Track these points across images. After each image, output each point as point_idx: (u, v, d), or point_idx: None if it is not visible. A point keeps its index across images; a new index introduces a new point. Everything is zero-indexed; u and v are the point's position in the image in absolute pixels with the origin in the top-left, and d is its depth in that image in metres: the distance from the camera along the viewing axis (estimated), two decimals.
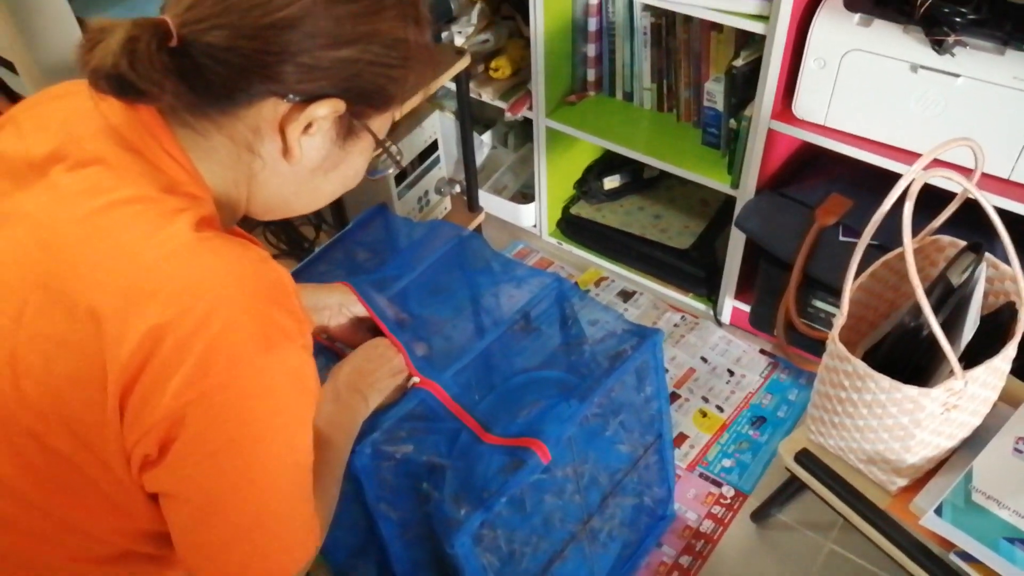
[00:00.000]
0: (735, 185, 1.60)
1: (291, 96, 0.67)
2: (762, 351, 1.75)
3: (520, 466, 0.99)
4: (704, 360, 1.73)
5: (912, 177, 0.97)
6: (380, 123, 0.76)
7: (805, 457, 1.20)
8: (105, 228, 0.64)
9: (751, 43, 1.53)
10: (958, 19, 1.24)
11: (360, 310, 1.09)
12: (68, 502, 0.66)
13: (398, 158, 0.80)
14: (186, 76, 0.63)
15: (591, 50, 1.79)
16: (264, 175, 0.73)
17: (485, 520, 0.96)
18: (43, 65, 1.34)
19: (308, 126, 0.69)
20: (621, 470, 1.25)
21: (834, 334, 1.08)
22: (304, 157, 0.71)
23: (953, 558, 1.04)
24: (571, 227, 2.03)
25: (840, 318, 1.09)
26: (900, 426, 1.04)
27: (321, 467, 0.81)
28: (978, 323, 1.08)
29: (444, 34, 1.83)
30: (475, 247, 1.29)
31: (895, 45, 1.28)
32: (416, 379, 1.04)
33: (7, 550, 0.67)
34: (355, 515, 1.25)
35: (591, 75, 1.84)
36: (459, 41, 1.86)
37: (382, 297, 1.13)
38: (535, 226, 2.06)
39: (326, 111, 0.69)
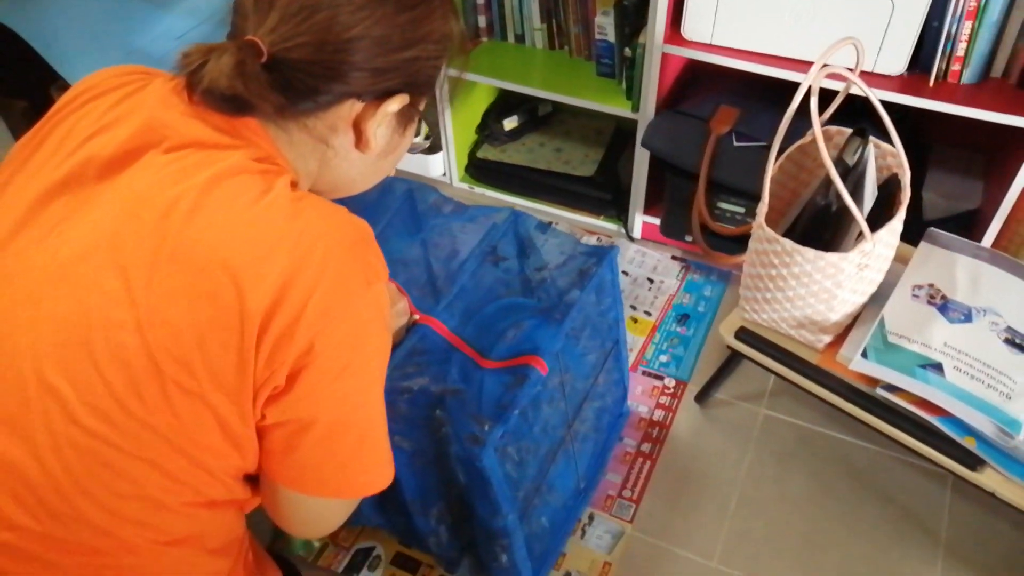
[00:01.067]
0: (635, 109, 1.74)
1: (365, 96, 0.78)
2: (674, 257, 1.93)
3: (524, 381, 1.10)
4: (625, 273, 1.90)
5: (815, 74, 1.13)
6: (423, 105, 0.87)
7: (743, 333, 1.38)
8: (218, 196, 0.71)
9: None
10: None
11: None
12: (201, 441, 0.73)
13: (428, 136, 0.92)
14: (279, 87, 0.72)
15: None
16: (335, 162, 0.82)
17: (504, 432, 1.07)
18: None
19: (380, 121, 0.80)
20: (591, 377, 1.40)
21: (760, 221, 1.24)
22: (373, 148, 0.82)
23: (880, 391, 1.24)
24: (479, 171, 2.13)
25: (763, 206, 1.25)
26: (824, 289, 1.23)
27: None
28: (876, 195, 1.28)
29: None
30: (425, 194, 1.39)
31: None
32: (416, 316, 1.14)
33: (148, 489, 0.74)
34: None
35: (482, 21, 1.94)
36: None
37: None
38: (445, 174, 2.15)
39: (396, 106, 0.79)
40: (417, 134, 0.91)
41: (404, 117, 0.83)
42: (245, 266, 0.69)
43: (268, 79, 0.71)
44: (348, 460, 0.79)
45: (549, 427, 1.28)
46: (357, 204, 1.43)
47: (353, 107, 0.78)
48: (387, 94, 0.78)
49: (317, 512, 0.85)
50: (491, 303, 1.28)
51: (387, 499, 1.33)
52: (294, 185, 0.76)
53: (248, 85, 0.70)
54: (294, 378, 0.72)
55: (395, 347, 1.11)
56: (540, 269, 1.34)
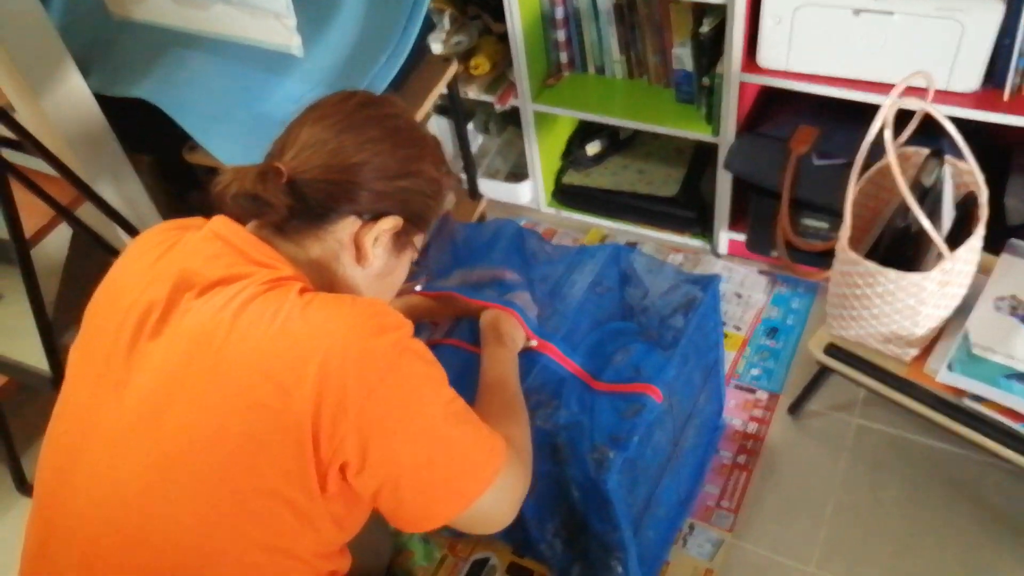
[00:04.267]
0: (716, 133, 1.82)
1: (365, 215, 0.96)
2: (760, 271, 2.00)
3: (640, 409, 1.20)
4: None
5: (889, 105, 1.20)
6: (418, 241, 1.05)
7: (833, 349, 1.45)
8: (244, 322, 0.87)
9: (711, 11, 1.75)
10: None
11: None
12: (280, 532, 0.88)
13: (425, 279, 1.19)
14: (295, 198, 0.92)
15: (561, 35, 1.99)
16: (343, 274, 0.99)
17: (627, 458, 1.17)
18: (62, 136, 1.53)
19: (376, 238, 0.97)
20: (695, 396, 1.48)
21: (843, 243, 1.32)
22: (371, 264, 0.98)
23: (967, 402, 1.30)
24: (566, 195, 2.24)
25: (845, 230, 1.32)
26: (908, 307, 1.29)
27: (503, 393, 1.10)
28: (954, 214, 1.33)
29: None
30: (528, 237, 1.50)
31: None
32: (534, 342, 1.25)
33: None
34: None
35: (564, 57, 2.04)
36: (437, 49, 2.04)
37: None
38: (533, 201, 2.27)
39: (389, 225, 0.97)
40: (414, 278, 1.14)
41: (399, 242, 1.01)
42: (288, 372, 0.84)
43: (285, 189, 0.91)
44: (451, 478, 0.91)
45: (659, 447, 1.37)
46: (472, 245, 1.54)
47: (354, 224, 0.96)
48: (382, 215, 0.96)
49: (475, 519, 0.95)
50: (597, 329, 1.37)
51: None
52: (304, 291, 0.90)
53: (267, 187, 0.90)
54: (364, 450, 0.85)
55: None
56: (643, 297, 1.42)
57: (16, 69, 1.49)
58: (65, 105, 1.59)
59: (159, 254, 0.96)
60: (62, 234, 1.79)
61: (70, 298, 1.80)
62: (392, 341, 0.88)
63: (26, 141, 1.45)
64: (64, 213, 1.65)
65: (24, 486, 1.81)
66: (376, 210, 0.96)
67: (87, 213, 1.67)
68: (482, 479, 0.93)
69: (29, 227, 1.56)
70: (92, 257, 1.74)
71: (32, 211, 1.61)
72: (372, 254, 0.97)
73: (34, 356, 1.57)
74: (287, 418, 0.83)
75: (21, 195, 1.49)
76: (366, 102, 1.00)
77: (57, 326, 1.59)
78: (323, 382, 0.83)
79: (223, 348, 0.86)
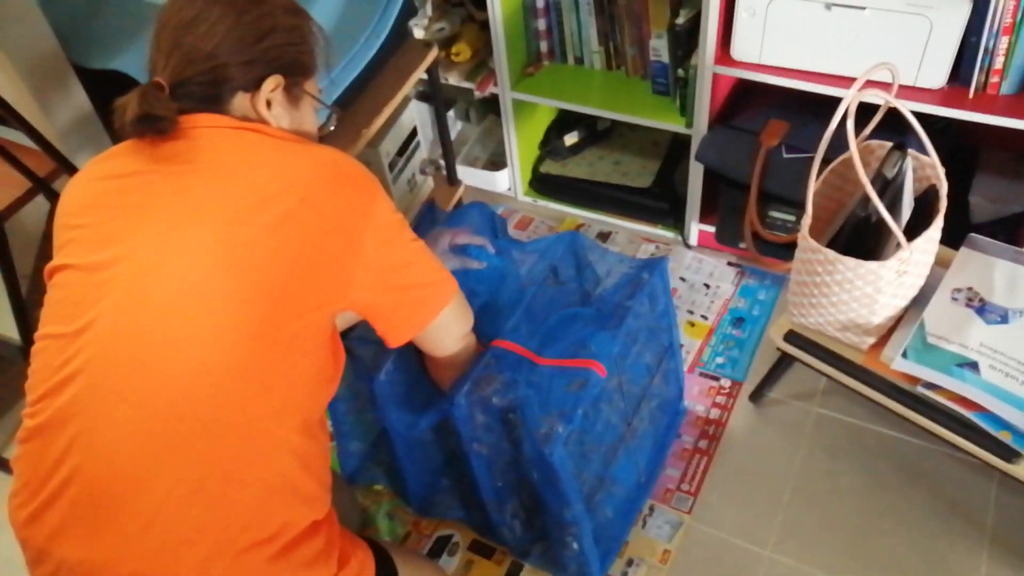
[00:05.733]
0: (689, 125, 1.85)
1: (248, 87, 1.04)
2: (729, 263, 2.02)
3: (584, 384, 1.22)
4: (683, 279, 2.00)
5: (851, 98, 1.23)
6: (311, 87, 1.12)
7: (792, 336, 1.48)
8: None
9: (687, 3, 1.78)
10: None
11: None
12: (294, 376, 0.99)
13: (335, 114, 1.25)
14: (183, 102, 1.01)
15: (541, 24, 2.01)
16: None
17: (571, 431, 1.20)
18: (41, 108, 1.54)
19: (268, 102, 1.05)
20: (647, 377, 1.51)
21: (804, 232, 1.34)
22: (277, 123, 1.07)
23: (921, 389, 1.33)
24: (543, 184, 2.26)
25: (807, 218, 1.35)
26: (866, 295, 1.32)
27: None
28: (912, 205, 1.36)
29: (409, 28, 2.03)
30: (496, 218, 1.52)
31: None
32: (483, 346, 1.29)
33: (245, 429, 0.95)
34: (434, 458, 1.49)
35: (544, 47, 2.06)
36: (419, 34, 2.05)
37: None
38: (510, 189, 2.29)
39: (272, 86, 1.05)
40: (328, 121, 1.26)
41: (291, 95, 1.08)
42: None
43: (168, 99, 1.00)
44: (424, 296, 1.12)
45: (609, 424, 1.40)
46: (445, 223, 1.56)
47: (243, 97, 1.04)
48: (261, 79, 1.04)
49: (439, 330, 1.16)
50: (552, 316, 1.40)
51: (466, 496, 1.47)
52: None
53: (153, 104, 0.97)
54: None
55: (468, 370, 1.25)
56: (596, 284, 1.46)
57: None
58: (44, 76, 1.59)
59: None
60: (40, 207, 1.80)
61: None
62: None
63: (5, 113, 1.46)
64: (41, 185, 1.66)
65: None
66: (253, 78, 1.04)
67: (64, 185, 1.67)
68: (445, 294, 1.14)
69: (4, 198, 1.57)
70: None
71: (8, 183, 1.62)
72: (271, 116, 1.06)
73: (6, 327, 1.58)
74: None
75: None
76: None
77: (31, 301, 1.60)
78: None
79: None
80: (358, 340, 1.30)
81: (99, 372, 0.94)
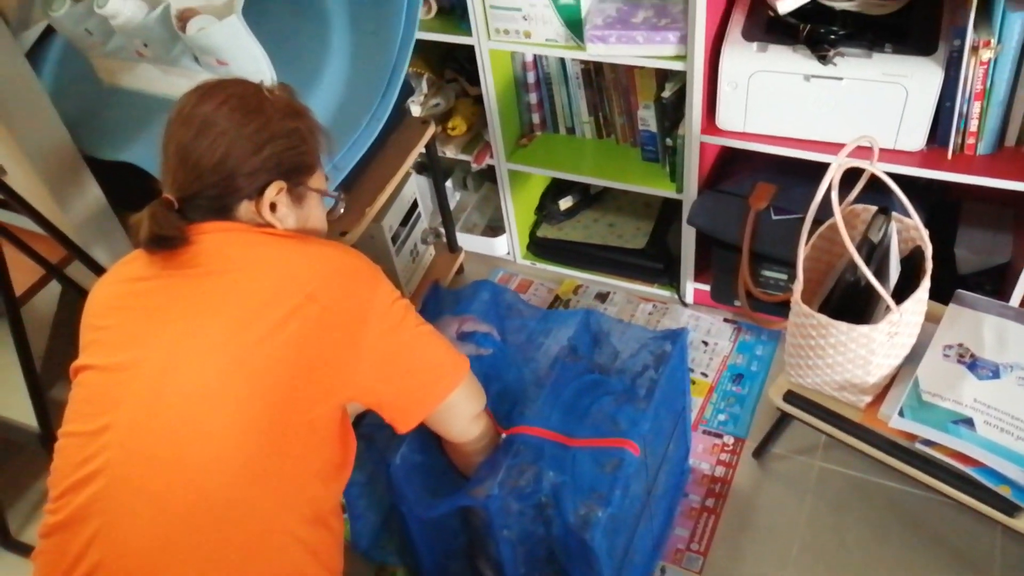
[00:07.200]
0: (679, 190, 1.92)
1: (252, 195, 1.09)
2: (725, 319, 2.07)
3: (619, 464, 1.25)
4: None
5: (834, 170, 1.29)
6: (315, 181, 1.17)
7: (791, 396, 1.52)
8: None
9: (672, 76, 1.85)
10: (832, 36, 1.58)
11: None
12: (304, 457, 1.02)
13: (341, 200, 1.27)
14: (191, 215, 1.07)
15: (533, 98, 2.09)
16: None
17: (611, 514, 1.21)
18: (52, 197, 1.59)
19: (273, 206, 1.10)
20: (665, 445, 1.54)
21: (796, 298, 1.40)
22: (284, 224, 1.12)
23: (918, 446, 1.37)
24: (540, 248, 2.32)
25: (799, 284, 1.40)
26: (860, 357, 1.37)
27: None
28: (900, 268, 1.42)
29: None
30: (503, 292, 1.56)
31: (788, 63, 1.61)
32: (503, 435, 1.31)
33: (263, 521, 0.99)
34: (450, 540, 1.50)
35: (536, 118, 2.14)
36: (416, 111, 2.13)
37: None
38: (509, 253, 2.35)
39: (274, 192, 1.10)
40: (335, 207, 1.30)
41: (295, 195, 1.13)
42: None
43: (178, 217, 1.06)
44: (433, 378, 1.16)
45: (635, 497, 1.42)
46: (452, 304, 1.60)
47: (248, 204, 1.09)
48: (265, 186, 1.09)
49: (450, 411, 1.19)
50: (573, 383, 1.42)
51: None
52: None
53: (162, 225, 1.03)
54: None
55: (494, 459, 1.28)
56: (614, 359, 1.49)
57: (7, 132, 1.55)
58: (55, 167, 1.65)
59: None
60: (51, 290, 1.84)
61: (58, 354, 1.85)
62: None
63: (16, 203, 1.51)
64: (54, 271, 1.71)
65: (8, 540, 1.82)
66: (257, 186, 1.08)
67: (76, 270, 1.72)
68: (454, 375, 1.18)
69: (19, 285, 1.61)
70: (81, 314, 1.79)
71: (23, 269, 1.67)
72: (276, 219, 1.11)
73: (20, 411, 1.61)
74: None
75: (12, 254, 1.55)
76: (199, 100, 1.08)
77: (45, 381, 1.63)
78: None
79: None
80: (374, 426, 1.33)
81: (119, 471, 0.98)
